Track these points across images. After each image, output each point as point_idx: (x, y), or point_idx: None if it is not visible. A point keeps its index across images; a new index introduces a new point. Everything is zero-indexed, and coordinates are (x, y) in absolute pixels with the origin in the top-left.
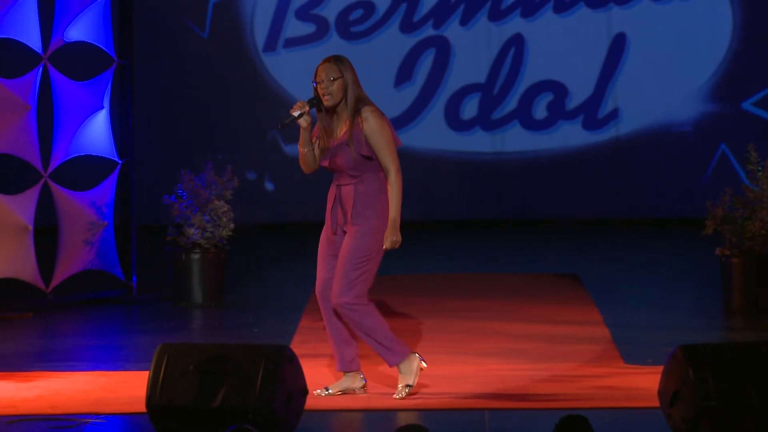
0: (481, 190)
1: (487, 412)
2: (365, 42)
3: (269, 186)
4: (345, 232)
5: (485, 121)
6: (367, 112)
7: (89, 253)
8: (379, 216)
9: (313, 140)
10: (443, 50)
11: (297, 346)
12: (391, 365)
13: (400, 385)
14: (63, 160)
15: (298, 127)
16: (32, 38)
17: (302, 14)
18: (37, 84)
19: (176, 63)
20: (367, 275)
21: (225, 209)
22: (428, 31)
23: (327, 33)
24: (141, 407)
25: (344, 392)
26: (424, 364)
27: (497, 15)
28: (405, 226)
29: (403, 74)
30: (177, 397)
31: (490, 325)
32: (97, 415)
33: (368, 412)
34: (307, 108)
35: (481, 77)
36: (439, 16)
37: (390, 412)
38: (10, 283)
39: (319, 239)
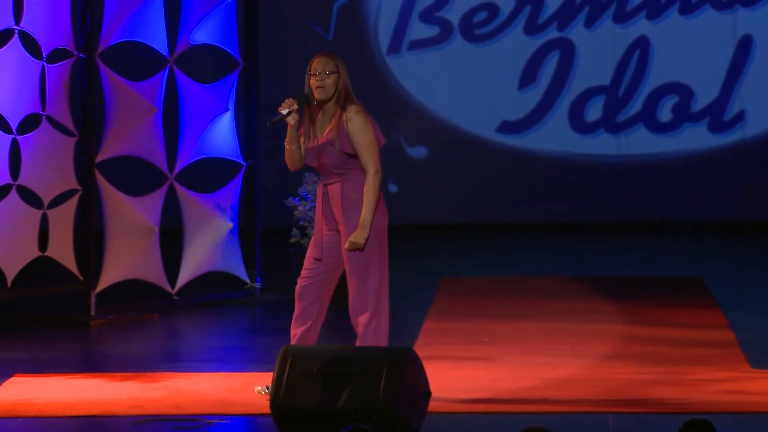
0: (605, 193)
1: (611, 415)
2: (489, 44)
3: (392, 188)
4: (338, 232)
5: (609, 124)
6: (352, 111)
7: (214, 254)
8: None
9: (300, 138)
10: (567, 52)
11: (420, 348)
12: None
13: None
14: (188, 162)
15: (286, 125)
16: (159, 41)
17: (426, 16)
18: (163, 86)
19: (301, 65)
20: (380, 278)
21: None
22: (552, 33)
23: (451, 35)
24: (265, 408)
25: None
26: None
27: (622, 17)
28: (528, 228)
29: (527, 76)
30: (301, 399)
31: (612, 328)
32: (221, 416)
33: (491, 415)
34: (295, 106)
35: (605, 79)
36: (564, 18)
37: (513, 415)
38: (136, 284)
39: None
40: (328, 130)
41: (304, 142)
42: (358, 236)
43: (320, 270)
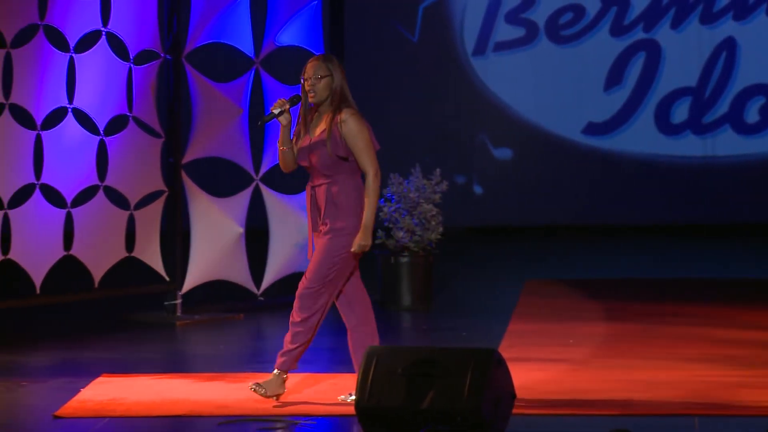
0: (691, 194)
1: (697, 418)
2: (575, 46)
3: (477, 189)
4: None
5: (696, 125)
6: (346, 114)
7: (299, 255)
8: (353, 215)
9: (293, 139)
10: (654, 54)
11: (505, 350)
12: (282, 368)
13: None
14: (274, 164)
15: (279, 124)
16: (245, 43)
17: (512, 18)
18: (249, 88)
19: (386, 67)
20: (339, 275)
21: (434, 213)
22: (639, 35)
23: (536, 37)
24: (350, 409)
25: None
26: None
27: (709, 18)
28: (613, 230)
29: (613, 78)
30: (385, 400)
31: (698, 331)
32: (306, 416)
33: (576, 417)
34: (287, 106)
35: (692, 81)
36: (650, 19)
37: (597, 417)
38: (221, 284)
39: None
40: (320, 130)
41: (296, 143)
42: (364, 240)
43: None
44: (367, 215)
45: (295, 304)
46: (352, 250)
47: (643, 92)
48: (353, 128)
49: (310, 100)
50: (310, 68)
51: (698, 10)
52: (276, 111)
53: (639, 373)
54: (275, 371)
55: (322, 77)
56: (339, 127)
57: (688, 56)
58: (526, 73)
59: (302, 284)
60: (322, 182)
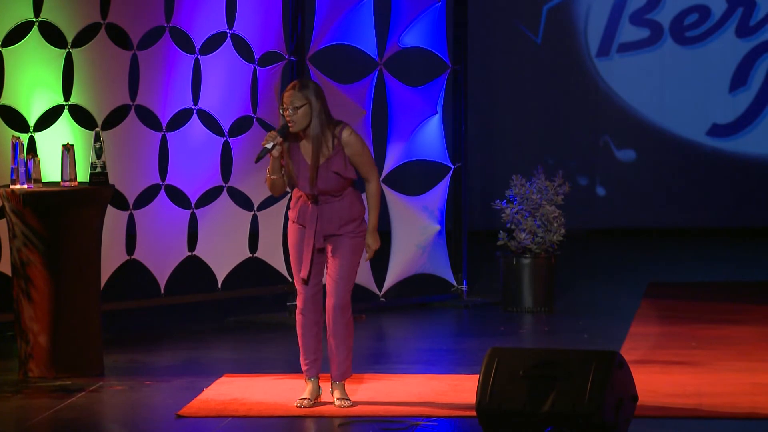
0: None
1: None
2: (700, 47)
3: (600, 191)
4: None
5: None
6: (347, 134)
7: (421, 257)
8: (362, 221)
9: (282, 167)
10: None
11: (627, 352)
12: (341, 378)
13: (342, 399)
14: (396, 165)
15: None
16: (368, 44)
17: (636, 19)
18: (372, 89)
19: (509, 68)
20: (354, 276)
21: (556, 214)
22: (765, 36)
23: (661, 38)
24: (470, 411)
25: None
26: None
27: None
28: (739, 232)
29: (738, 79)
30: (506, 402)
31: None
32: (427, 418)
33: (699, 420)
34: (279, 139)
35: None
36: None
37: (721, 420)
38: None
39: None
40: (326, 157)
41: (290, 170)
42: (376, 242)
43: (312, 290)
44: (375, 219)
45: (339, 316)
46: (368, 257)
47: None
48: (358, 145)
49: (290, 129)
50: (287, 98)
51: None
52: (269, 146)
53: (764, 376)
54: (339, 383)
55: (299, 107)
56: (344, 149)
57: None
58: (650, 75)
59: (338, 296)
60: (333, 201)
